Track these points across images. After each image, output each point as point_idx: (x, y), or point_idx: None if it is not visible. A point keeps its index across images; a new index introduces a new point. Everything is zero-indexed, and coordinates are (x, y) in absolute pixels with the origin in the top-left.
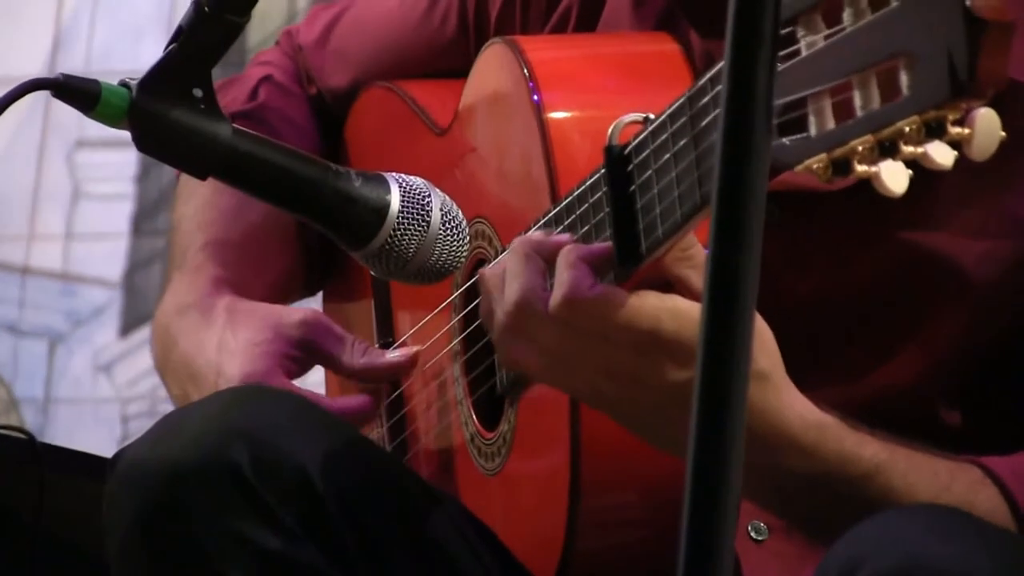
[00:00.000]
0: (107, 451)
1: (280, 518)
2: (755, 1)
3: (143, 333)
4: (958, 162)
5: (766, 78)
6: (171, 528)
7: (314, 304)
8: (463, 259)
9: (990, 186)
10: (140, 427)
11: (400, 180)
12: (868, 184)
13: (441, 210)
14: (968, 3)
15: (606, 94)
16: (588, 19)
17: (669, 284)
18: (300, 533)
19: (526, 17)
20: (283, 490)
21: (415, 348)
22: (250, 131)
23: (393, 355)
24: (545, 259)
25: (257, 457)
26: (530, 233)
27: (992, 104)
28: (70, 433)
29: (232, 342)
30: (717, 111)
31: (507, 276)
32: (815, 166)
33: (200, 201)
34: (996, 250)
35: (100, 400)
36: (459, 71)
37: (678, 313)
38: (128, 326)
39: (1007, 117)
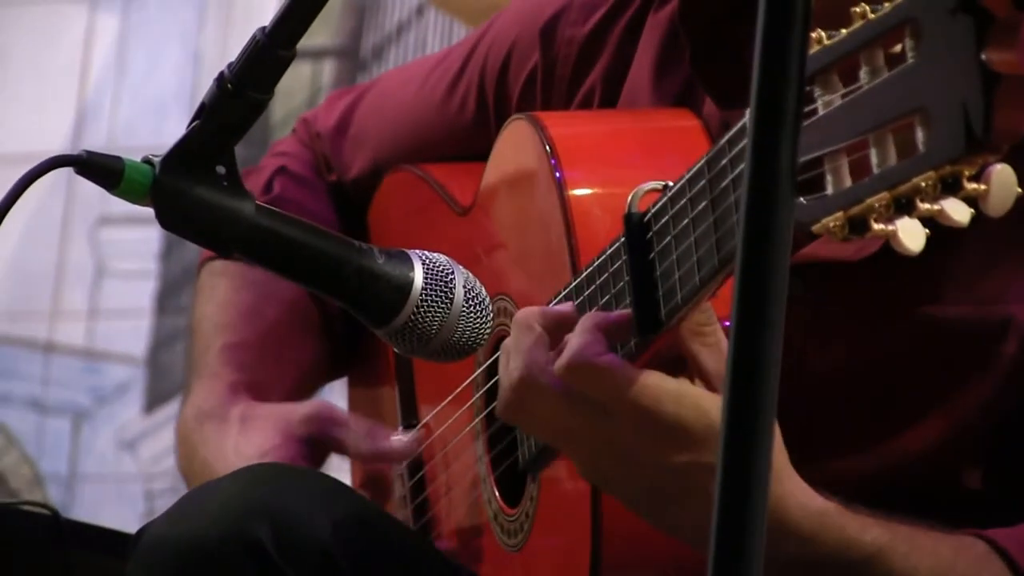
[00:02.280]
0: (131, 527)
1: None
2: (779, 67)
3: (167, 410)
4: (977, 231)
5: (790, 148)
6: None
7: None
8: (486, 336)
9: (1010, 254)
10: (164, 504)
11: (423, 257)
12: (888, 257)
13: (464, 287)
14: (984, 58)
15: (627, 169)
16: (610, 99)
17: (681, 362)
18: None
19: (548, 100)
20: (305, 566)
21: (419, 429)
22: (273, 208)
23: (397, 438)
24: (548, 330)
25: (279, 533)
26: (531, 307)
27: (1008, 162)
28: (94, 510)
29: (247, 448)
30: (736, 171)
31: (510, 350)
32: (832, 225)
33: (218, 301)
34: (1018, 318)
35: (124, 477)
36: (480, 154)
37: (681, 396)
38: (152, 403)
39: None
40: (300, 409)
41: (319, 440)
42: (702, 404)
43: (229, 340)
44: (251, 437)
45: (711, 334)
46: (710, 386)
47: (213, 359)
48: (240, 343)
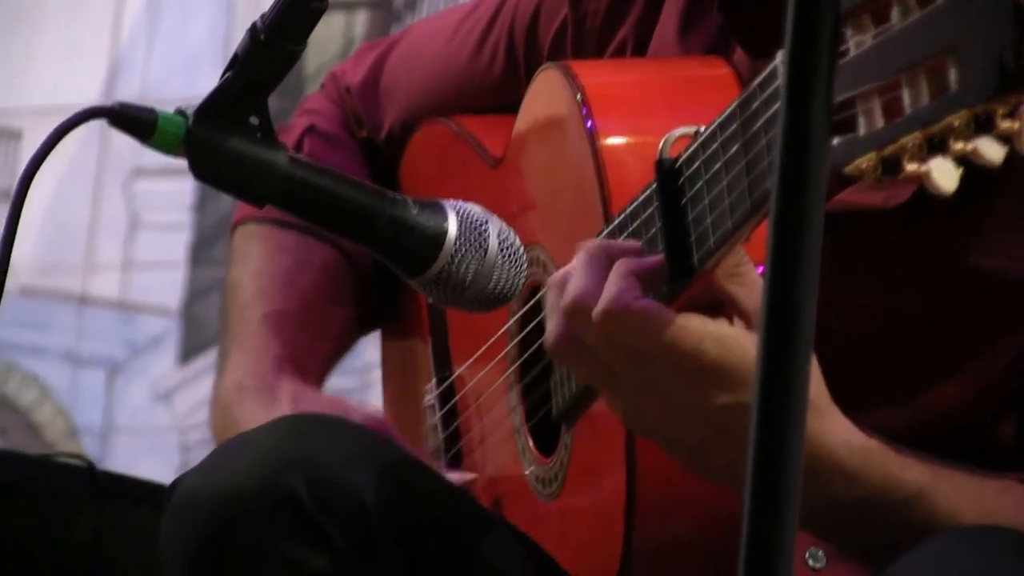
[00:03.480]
0: (166, 479)
1: (336, 545)
2: (813, 7)
3: (202, 362)
4: (1008, 183)
5: (825, 84)
6: (227, 556)
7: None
8: (520, 285)
9: None
10: (199, 455)
11: (457, 207)
12: (919, 205)
13: (498, 237)
14: None
15: (659, 117)
16: (640, 52)
17: (718, 306)
18: (355, 559)
19: (578, 53)
20: (340, 517)
21: (472, 476)
22: (307, 159)
23: (451, 475)
24: (611, 264)
25: (314, 485)
26: (600, 239)
27: None
28: (129, 462)
29: None
30: (768, 114)
31: (572, 274)
32: (865, 165)
33: (254, 267)
34: None
35: (159, 429)
36: (510, 107)
37: (722, 338)
38: (187, 355)
39: None
40: (356, 411)
41: None
42: (743, 344)
43: (269, 310)
44: None
45: (746, 273)
46: (749, 325)
47: (254, 330)
48: (279, 312)
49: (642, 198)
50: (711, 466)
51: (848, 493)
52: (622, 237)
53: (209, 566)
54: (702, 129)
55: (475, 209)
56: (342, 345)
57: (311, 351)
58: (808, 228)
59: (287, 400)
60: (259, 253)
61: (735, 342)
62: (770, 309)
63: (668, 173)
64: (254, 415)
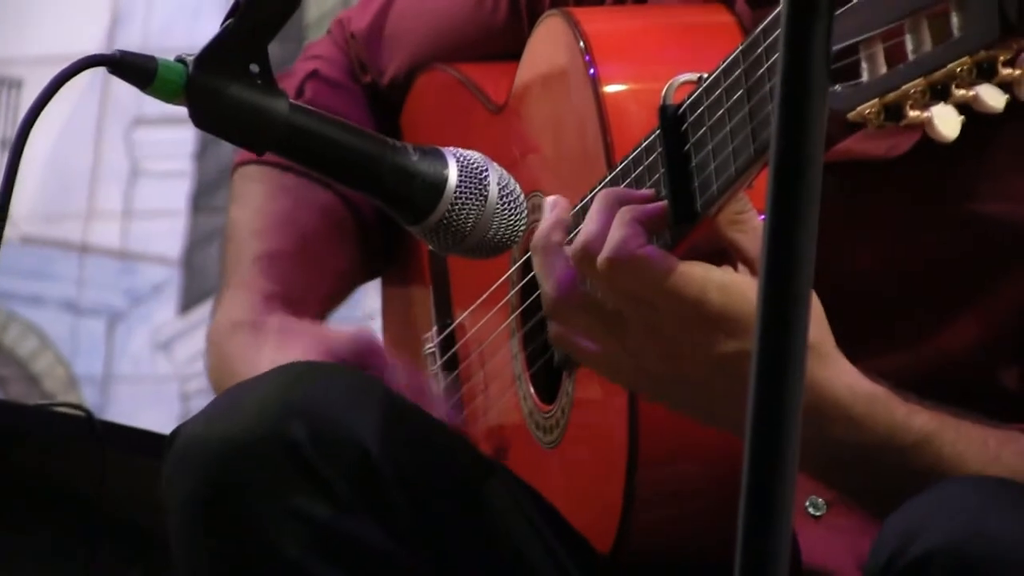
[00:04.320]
0: (167, 429)
1: (338, 492)
2: None
3: (202, 311)
4: (1013, 123)
5: (824, 30)
6: (229, 504)
7: (373, 287)
8: (521, 233)
9: None
10: (200, 404)
11: (457, 154)
12: (921, 154)
13: (499, 184)
14: None
15: (662, 63)
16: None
17: (721, 254)
18: (357, 506)
19: (580, 2)
20: (341, 464)
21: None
22: (308, 107)
23: (436, 380)
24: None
25: (315, 432)
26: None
27: None
28: (130, 411)
29: (284, 361)
30: (771, 60)
31: (586, 219)
32: (868, 112)
33: (253, 208)
34: None
35: (160, 378)
36: (514, 54)
37: (725, 285)
38: (187, 304)
39: None
40: (341, 332)
41: (356, 362)
42: (746, 291)
43: (264, 249)
44: (288, 351)
45: (749, 220)
46: (753, 272)
47: (247, 268)
48: (275, 252)
49: (645, 144)
50: (714, 413)
51: (853, 438)
52: (625, 183)
53: (211, 513)
54: (705, 76)
55: (475, 156)
56: (341, 287)
57: (307, 290)
58: (808, 174)
59: (273, 333)
60: (258, 194)
61: (738, 289)
62: (770, 255)
63: (671, 119)
64: (244, 350)
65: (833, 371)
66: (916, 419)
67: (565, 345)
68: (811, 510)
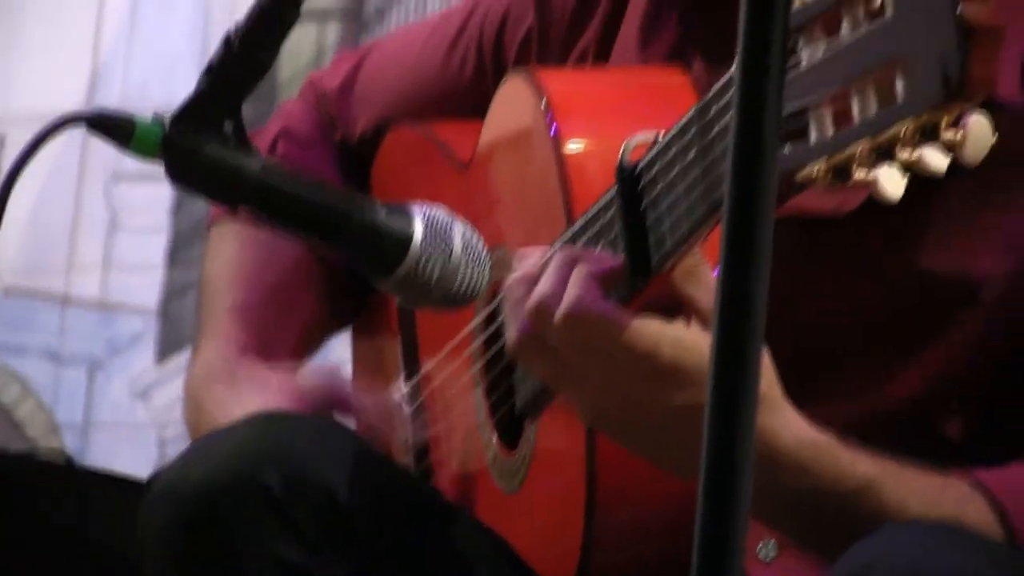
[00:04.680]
0: (144, 473)
1: (307, 534)
2: (764, 20)
3: (179, 360)
4: (953, 189)
5: (775, 94)
6: (204, 546)
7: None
8: (484, 286)
9: (988, 207)
10: (176, 450)
11: (423, 211)
12: (868, 213)
13: (462, 239)
14: (959, 10)
15: (620, 123)
16: (602, 61)
17: (676, 307)
18: (325, 547)
19: (543, 61)
20: (310, 507)
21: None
22: (279, 165)
23: (397, 397)
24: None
25: (286, 478)
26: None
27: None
28: (109, 456)
29: (256, 407)
30: (724, 121)
31: (541, 276)
32: (816, 171)
33: (226, 261)
34: (998, 268)
35: (137, 425)
36: (479, 113)
37: (679, 340)
38: (164, 353)
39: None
40: (309, 373)
41: (326, 403)
42: (698, 345)
43: (237, 300)
44: (260, 397)
45: (703, 275)
46: (705, 326)
47: (221, 319)
48: (247, 303)
49: (603, 201)
50: (668, 460)
51: (800, 484)
52: (584, 239)
53: (186, 557)
54: (661, 135)
55: (440, 212)
56: (311, 338)
57: (277, 339)
58: (759, 231)
59: (247, 383)
60: (231, 249)
61: (691, 343)
62: (722, 309)
63: (628, 178)
64: (220, 399)
65: (781, 420)
66: (859, 466)
67: (531, 369)
68: (762, 554)
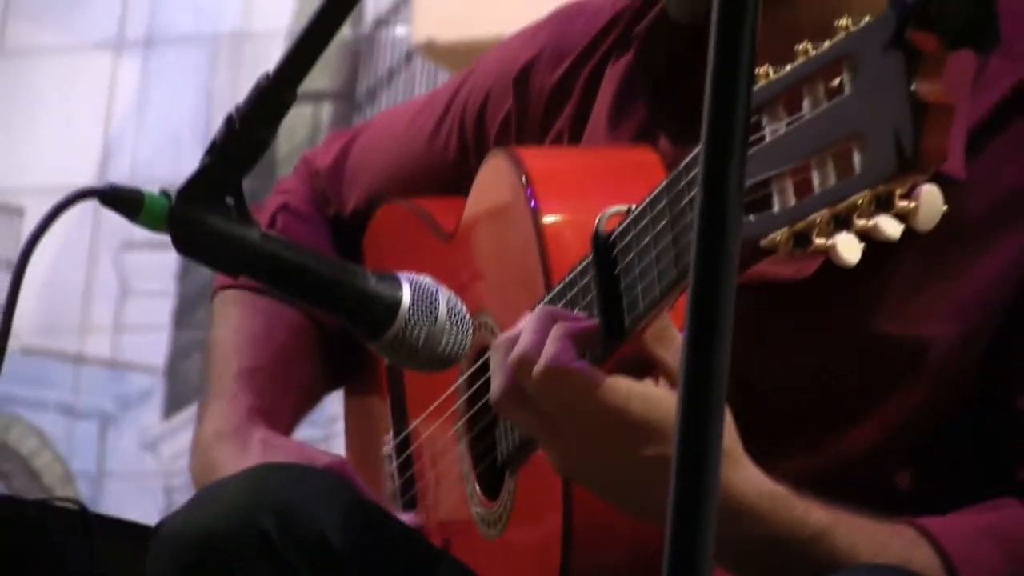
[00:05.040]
0: (152, 520)
1: (302, 575)
2: (728, 103)
3: (184, 415)
4: (907, 254)
5: (738, 169)
6: None
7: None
8: (467, 348)
9: (936, 275)
10: (182, 498)
11: (410, 278)
12: (825, 277)
13: (447, 305)
14: (913, 88)
15: (594, 197)
16: (575, 140)
17: (646, 366)
18: None
19: (521, 140)
20: (306, 552)
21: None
22: (278, 235)
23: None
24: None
25: (283, 523)
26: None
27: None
28: (119, 504)
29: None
30: (692, 194)
31: (522, 333)
32: (778, 239)
33: (232, 327)
34: (945, 333)
35: (146, 474)
36: (462, 189)
37: (648, 397)
38: (171, 408)
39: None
40: (321, 456)
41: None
42: (666, 402)
43: (244, 365)
44: (263, 456)
45: (671, 337)
46: (673, 384)
47: (230, 382)
48: (254, 368)
49: (579, 268)
50: (637, 507)
51: (759, 532)
52: (561, 304)
53: None
54: (634, 207)
55: (427, 280)
56: (308, 399)
57: (280, 403)
58: (722, 296)
59: (257, 446)
60: (235, 316)
61: (659, 400)
62: (688, 369)
63: (603, 246)
64: (229, 458)
65: (742, 474)
66: (813, 514)
67: (514, 422)
68: None
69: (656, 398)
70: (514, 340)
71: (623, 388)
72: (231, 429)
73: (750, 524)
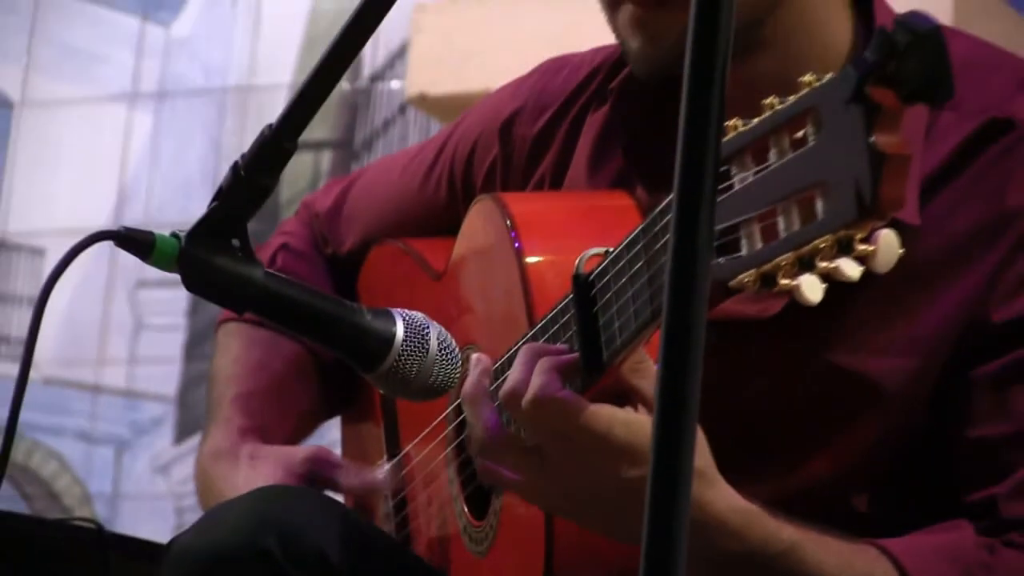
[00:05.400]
0: (164, 538)
1: None
2: (698, 154)
3: (193, 441)
4: (866, 293)
5: (708, 216)
6: None
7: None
8: (456, 379)
9: (893, 313)
10: (191, 518)
11: (404, 315)
12: (789, 316)
13: (438, 339)
14: (872, 140)
15: (575, 240)
16: (556, 186)
17: (625, 395)
18: None
19: (505, 186)
20: (305, 568)
21: (399, 462)
22: (279, 274)
23: (379, 474)
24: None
25: (285, 542)
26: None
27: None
28: (133, 523)
29: (256, 481)
30: (666, 238)
31: (511, 370)
32: (746, 280)
33: (231, 356)
34: (901, 367)
35: (158, 496)
36: (451, 230)
37: (628, 423)
38: (181, 434)
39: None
40: (301, 451)
41: (314, 478)
42: (645, 427)
43: (240, 390)
44: (259, 472)
45: (647, 369)
46: (650, 410)
47: (226, 407)
48: (249, 393)
49: (561, 306)
50: (619, 527)
51: (732, 547)
52: (544, 339)
53: None
54: (611, 250)
55: (418, 316)
56: (305, 425)
57: (276, 426)
58: (693, 332)
59: (246, 458)
60: (235, 347)
61: (639, 425)
62: (662, 397)
63: (583, 286)
64: (223, 474)
65: (715, 493)
66: (783, 532)
67: (491, 478)
68: None
69: (637, 423)
70: (485, 377)
71: (606, 414)
72: (226, 448)
73: (724, 539)
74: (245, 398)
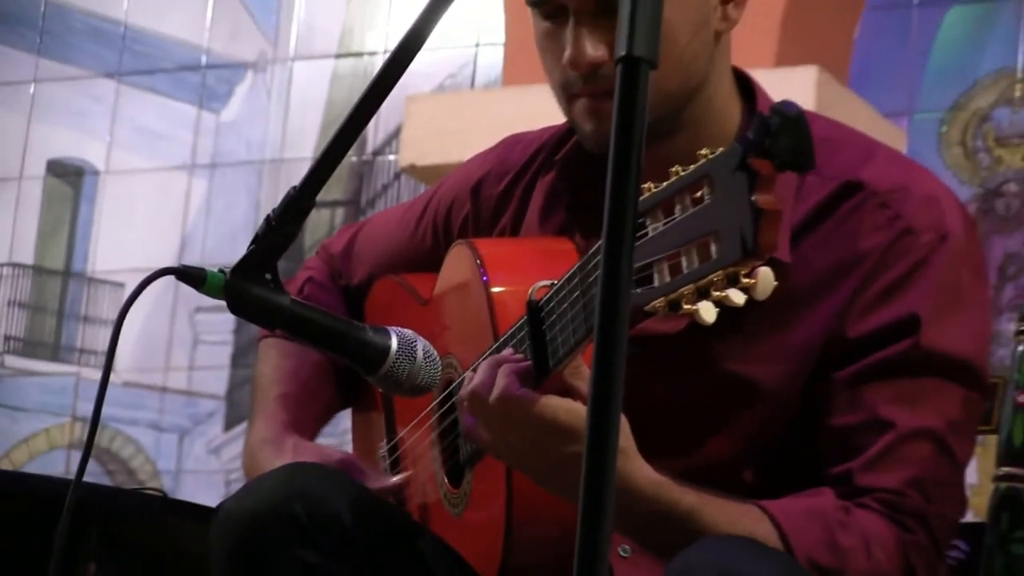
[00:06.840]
0: (214, 503)
1: (323, 546)
2: (621, 209)
3: (239, 429)
4: (750, 312)
5: (628, 256)
6: (252, 556)
7: (345, 414)
8: (438, 381)
9: (771, 330)
10: (236, 488)
11: (397, 331)
12: (692, 333)
13: (423, 350)
14: (753, 199)
15: (529, 274)
16: (515, 233)
17: (567, 391)
18: (337, 556)
19: (477, 233)
20: (326, 529)
21: (407, 475)
22: (303, 301)
23: (394, 479)
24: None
25: (310, 509)
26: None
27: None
28: (192, 492)
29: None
30: (597, 273)
31: (476, 374)
32: (657, 305)
33: (272, 364)
34: (778, 371)
35: (212, 471)
36: (435, 266)
37: (571, 410)
38: (229, 424)
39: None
40: (335, 453)
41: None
42: (583, 415)
43: (281, 391)
44: (294, 457)
45: (582, 372)
46: (585, 403)
47: (271, 404)
48: (288, 393)
49: (517, 325)
50: (561, 488)
51: (647, 510)
52: (505, 350)
53: (238, 563)
54: (556, 282)
55: (408, 332)
56: (326, 416)
57: (306, 419)
58: (617, 346)
59: (290, 450)
60: (274, 356)
61: (579, 412)
62: (594, 393)
63: (534, 310)
64: (270, 458)
65: (634, 465)
66: (686, 497)
67: (473, 436)
68: (621, 553)
69: (577, 411)
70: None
71: (552, 404)
72: (271, 437)
73: (642, 503)
74: (284, 398)
